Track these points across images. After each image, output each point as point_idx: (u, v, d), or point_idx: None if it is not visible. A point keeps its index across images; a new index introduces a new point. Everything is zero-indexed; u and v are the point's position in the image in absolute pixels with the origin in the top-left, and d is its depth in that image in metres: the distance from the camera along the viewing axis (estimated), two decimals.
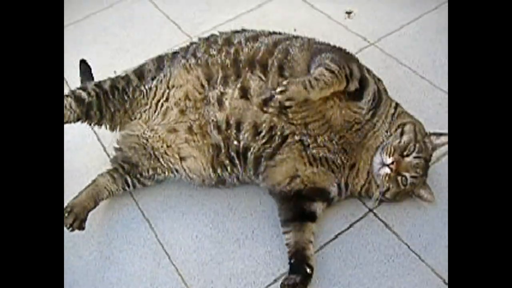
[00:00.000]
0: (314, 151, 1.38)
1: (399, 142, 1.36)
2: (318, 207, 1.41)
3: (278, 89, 1.26)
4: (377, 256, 1.38)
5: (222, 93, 1.41)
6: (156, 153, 1.52)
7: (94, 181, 1.54)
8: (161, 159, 1.52)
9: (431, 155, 1.41)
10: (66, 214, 1.41)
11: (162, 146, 1.51)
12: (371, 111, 1.37)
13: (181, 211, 1.55)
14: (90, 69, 1.82)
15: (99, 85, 1.54)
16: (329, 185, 1.41)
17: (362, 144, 1.38)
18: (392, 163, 1.33)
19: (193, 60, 1.49)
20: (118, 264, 1.44)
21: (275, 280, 1.36)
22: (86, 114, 1.51)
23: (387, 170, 1.34)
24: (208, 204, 1.55)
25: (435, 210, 1.45)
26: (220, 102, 1.41)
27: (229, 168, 1.46)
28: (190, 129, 1.46)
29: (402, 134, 1.38)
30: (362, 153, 1.39)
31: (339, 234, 1.44)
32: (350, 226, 1.45)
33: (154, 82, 1.52)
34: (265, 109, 1.37)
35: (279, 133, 1.37)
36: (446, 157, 1.56)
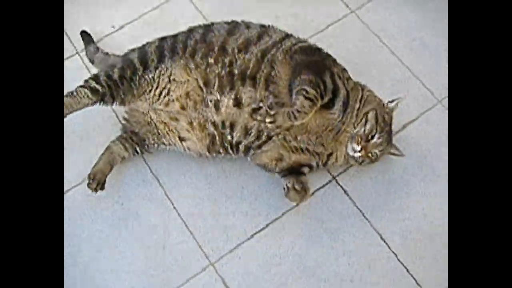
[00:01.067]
0: (295, 144, 1.73)
1: (364, 131, 1.71)
2: (305, 169, 1.79)
3: (268, 120, 1.60)
4: (334, 219, 1.83)
5: (218, 100, 1.70)
6: (159, 131, 1.83)
7: (108, 148, 1.86)
8: (164, 137, 1.84)
9: (391, 120, 1.78)
10: (90, 181, 1.78)
11: (164, 128, 1.82)
12: (342, 113, 1.69)
13: (184, 172, 1.91)
14: (91, 36, 2.10)
15: (109, 75, 1.77)
16: (311, 161, 1.79)
17: (336, 138, 1.74)
18: (361, 150, 1.71)
19: (192, 65, 1.72)
20: (135, 217, 1.84)
21: (261, 229, 1.81)
22: (101, 100, 1.78)
23: (357, 154, 1.73)
24: (206, 166, 1.92)
25: (387, 180, 1.89)
26: (217, 107, 1.70)
27: (222, 154, 1.82)
28: (190, 123, 1.76)
29: (366, 122, 1.71)
30: (337, 145, 1.75)
31: None
32: (314, 192, 1.87)
33: (157, 72, 1.76)
34: (254, 116, 1.68)
35: (265, 134, 1.71)
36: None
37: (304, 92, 1.60)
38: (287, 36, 1.79)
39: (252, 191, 1.88)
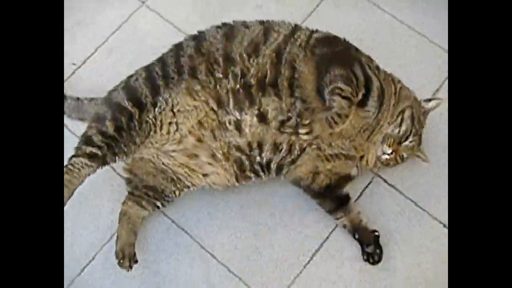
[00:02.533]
0: (330, 151, 1.50)
1: (398, 132, 1.50)
2: (346, 187, 1.59)
3: (303, 131, 1.36)
4: (387, 214, 1.65)
5: (239, 120, 1.43)
6: (179, 175, 1.56)
7: (123, 215, 1.57)
8: (184, 180, 1.57)
9: (425, 122, 1.58)
10: (121, 260, 1.49)
11: (185, 171, 1.54)
12: (377, 110, 1.46)
13: (210, 213, 1.66)
14: None
15: (103, 132, 1.46)
16: (350, 170, 1.57)
17: (370, 139, 1.51)
18: (391, 152, 1.52)
19: (197, 86, 1.44)
20: (171, 276, 1.59)
21: (313, 255, 1.60)
22: (103, 163, 1.47)
23: (387, 157, 1.54)
24: (231, 200, 1.67)
25: (432, 166, 1.68)
26: (239, 128, 1.44)
27: (253, 179, 1.57)
28: (212, 155, 1.50)
29: (401, 122, 1.50)
30: (370, 146, 1.53)
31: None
32: (361, 193, 1.68)
33: (157, 109, 1.47)
34: (282, 129, 1.43)
35: (297, 147, 1.47)
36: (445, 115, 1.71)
37: (338, 91, 1.37)
38: (296, 27, 1.52)
39: (291, 214, 1.65)
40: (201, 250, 1.62)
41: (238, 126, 1.45)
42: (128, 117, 1.46)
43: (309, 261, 1.60)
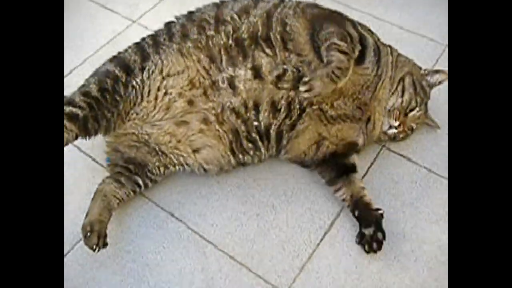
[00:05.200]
0: (332, 112, 1.40)
1: (402, 102, 1.43)
2: (355, 159, 1.45)
3: (303, 88, 1.27)
4: (403, 184, 1.48)
5: (232, 76, 1.34)
6: (163, 148, 1.40)
7: (98, 191, 1.37)
8: (170, 155, 1.41)
9: (429, 93, 1.51)
10: (88, 234, 1.26)
11: (170, 141, 1.39)
12: (375, 66, 1.40)
13: (203, 195, 1.46)
14: None
15: (86, 92, 1.35)
16: (355, 136, 1.45)
17: (374, 96, 1.43)
18: (399, 125, 1.44)
19: (189, 43, 1.37)
20: (161, 267, 1.33)
21: (325, 234, 1.38)
22: (84, 129, 1.33)
23: (395, 130, 1.45)
24: (229, 181, 1.49)
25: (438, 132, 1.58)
26: (233, 86, 1.34)
27: (251, 152, 1.42)
28: (204, 120, 1.37)
29: (403, 91, 1.44)
30: (375, 105, 1.44)
31: (363, 176, 1.50)
32: (371, 165, 1.52)
33: (145, 73, 1.37)
34: (279, 85, 1.34)
35: (297, 106, 1.37)
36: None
37: (335, 46, 1.32)
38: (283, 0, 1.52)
39: (297, 191, 1.47)
40: (196, 237, 1.38)
41: (231, 83, 1.35)
42: (114, 79, 1.36)
43: (322, 239, 1.37)
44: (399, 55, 1.51)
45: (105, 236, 1.29)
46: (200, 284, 1.29)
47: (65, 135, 1.29)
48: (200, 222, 1.41)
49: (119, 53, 1.46)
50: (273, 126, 1.39)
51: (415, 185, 1.47)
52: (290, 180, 1.49)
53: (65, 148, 1.35)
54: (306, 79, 1.29)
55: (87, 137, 1.38)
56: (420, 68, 1.51)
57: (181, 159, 1.42)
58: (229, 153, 1.42)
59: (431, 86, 1.51)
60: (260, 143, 1.42)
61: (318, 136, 1.43)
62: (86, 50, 1.88)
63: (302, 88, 1.29)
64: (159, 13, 1.47)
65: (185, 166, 1.44)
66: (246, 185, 1.48)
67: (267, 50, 1.36)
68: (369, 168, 1.51)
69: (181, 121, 1.38)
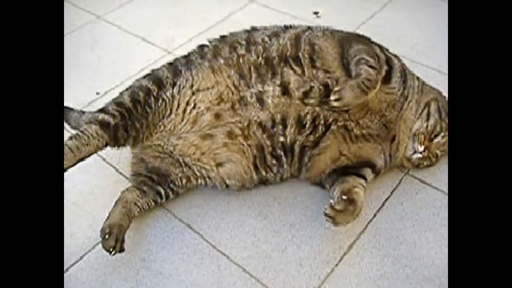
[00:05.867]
0: (357, 132, 1.40)
1: (427, 126, 1.44)
2: (367, 172, 1.43)
3: (333, 97, 1.29)
4: (426, 211, 1.44)
5: (261, 92, 1.38)
6: (187, 160, 1.43)
7: (121, 199, 1.40)
8: (193, 167, 1.43)
9: None
10: (106, 236, 1.27)
11: (194, 153, 1.42)
12: (401, 86, 1.43)
13: (222, 210, 1.45)
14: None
15: (119, 103, 1.42)
16: (375, 156, 1.44)
17: (400, 116, 1.44)
18: (424, 150, 1.43)
19: (221, 61, 1.44)
20: (173, 276, 1.30)
21: (344, 254, 1.33)
22: (114, 138, 1.38)
23: (419, 155, 1.44)
24: (249, 197, 1.48)
25: None
26: (261, 101, 1.38)
27: (274, 168, 1.43)
28: (230, 133, 1.40)
29: (428, 116, 1.45)
30: (400, 124, 1.44)
31: (385, 201, 1.47)
32: (393, 190, 1.49)
33: (176, 88, 1.43)
34: (306, 101, 1.37)
35: (322, 121, 1.38)
36: None
37: (364, 61, 1.35)
38: (311, 27, 1.58)
39: (317, 211, 1.43)
40: (211, 249, 1.36)
41: (260, 98, 1.38)
42: (146, 92, 1.43)
43: (341, 259, 1.32)
44: (424, 83, 1.54)
45: (123, 241, 1.29)
46: None
47: (95, 142, 1.35)
48: (216, 235, 1.39)
49: (153, 70, 1.53)
50: (298, 142, 1.40)
51: (439, 211, 1.43)
52: (310, 200, 1.47)
53: (91, 158, 1.40)
54: (336, 88, 1.31)
55: (116, 146, 1.43)
56: (440, 93, 1.52)
57: (204, 171, 1.43)
58: (252, 168, 1.42)
59: (441, 96, 1.53)
60: (284, 159, 1.42)
61: (338, 154, 1.43)
62: (121, 75, 1.98)
63: (332, 97, 1.30)
64: (194, 45, 1.58)
65: (207, 180, 1.45)
66: (266, 203, 1.47)
67: (296, 68, 1.40)
68: (391, 193, 1.49)
69: (207, 134, 1.41)
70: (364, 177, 1.43)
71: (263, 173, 1.44)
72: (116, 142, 1.41)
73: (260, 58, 1.42)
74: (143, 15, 2.35)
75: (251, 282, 1.28)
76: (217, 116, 1.41)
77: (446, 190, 1.48)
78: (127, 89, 1.49)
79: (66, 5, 2.44)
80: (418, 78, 1.53)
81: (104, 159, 1.62)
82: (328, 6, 2.34)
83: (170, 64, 1.53)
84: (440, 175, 1.52)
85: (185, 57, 1.54)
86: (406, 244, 1.35)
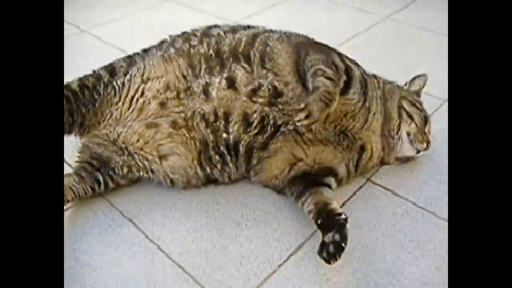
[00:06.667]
0: (310, 136, 1.33)
1: (416, 125, 1.43)
2: (331, 181, 1.34)
3: (301, 115, 1.20)
4: (386, 217, 1.33)
5: (207, 83, 1.33)
6: (130, 148, 1.37)
7: None
8: (135, 156, 1.37)
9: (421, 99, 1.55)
10: None
11: (138, 141, 1.36)
12: (361, 97, 1.36)
13: (167, 206, 1.37)
14: None
15: (67, 86, 1.40)
16: (336, 164, 1.36)
17: (366, 127, 1.38)
18: (426, 145, 1.43)
19: (172, 50, 1.41)
20: (102, 268, 1.20)
21: (291, 255, 1.22)
22: None
23: (424, 151, 1.44)
24: (197, 196, 1.40)
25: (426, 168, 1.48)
26: (206, 93, 1.33)
27: (219, 166, 1.36)
28: (174, 123, 1.34)
29: (409, 116, 1.44)
30: (369, 136, 1.39)
31: (342, 205, 1.37)
32: (353, 194, 1.40)
33: (127, 76, 1.40)
34: (254, 99, 1.31)
35: (271, 122, 1.31)
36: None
37: (321, 72, 1.30)
38: (272, 30, 1.55)
39: (266, 212, 1.34)
40: (149, 244, 1.26)
41: (205, 90, 1.33)
42: (96, 78, 1.41)
43: (286, 260, 1.21)
44: (384, 84, 1.49)
45: None
46: None
47: None
48: (157, 231, 1.30)
49: (113, 61, 1.52)
50: (242, 142, 1.33)
51: (400, 217, 1.32)
52: (261, 201, 1.38)
53: None
54: (301, 105, 1.22)
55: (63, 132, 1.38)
56: (400, 86, 1.48)
57: (146, 163, 1.36)
58: (196, 163, 1.35)
59: (419, 93, 1.55)
60: (228, 157, 1.35)
61: (292, 158, 1.35)
62: None
63: (300, 116, 1.21)
64: None
65: (150, 173, 1.38)
66: (214, 200, 1.38)
67: (245, 65, 1.35)
68: (351, 197, 1.39)
69: (152, 122, 1.35)
70: (330, 187, 1.34)
71: (208, 170, 1.37)
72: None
73: (211, 50, 1.38)
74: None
75: (184, 278, 1.17)
76: (162, 104, 1.35)
77: (409, 197, 1.38)
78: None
79: None
80: (377, 80, 1.48)
81: None
82: None
83: (128, 56, 1.52)
84: (403, 182, 1.43)
85: (144, 49, 1.52)
86: (360, 249, 1.23)
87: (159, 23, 2.44)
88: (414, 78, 1.56)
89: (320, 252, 1.14)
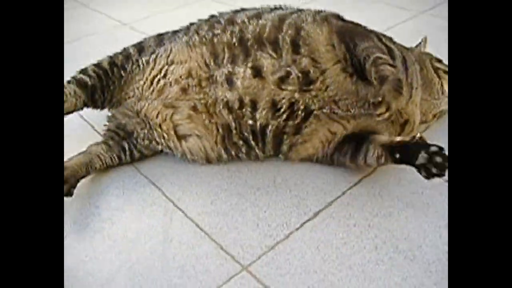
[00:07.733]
0: (349, 113, 1.30)
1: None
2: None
3: (382, 108, 1.16)
4: (408, 187, 1.28)
5: (231, 72, 1.32)
6: (151, 122, 1.39)
7: (86, 150, 1.39)
8: (155, 131, 1.39)
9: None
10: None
11: (157, 117, 1.38)
12: (405, 75, 1.31)
13: (190, 173, 1.38)
14: None
15: (98, 65, 1.47)
16: (381, 130, 1.31)
17: (410, 103, 1.34)
18: None
19: (196, 38, 1.41)
20: (121, 223, 1.22)
21: (308, 220, 1.20)
22: (92, 98, 1.43)
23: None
24: (220, 164, 1.41)
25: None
26: (230, 82, 1.31)
27: (243, 149, 1.36)
28: (194, 108, 1.35)
29: (446, 72, 1.47)
30: (413, 110, 1.35)
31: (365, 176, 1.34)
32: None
33: (153, 56, 1.44)
34: (283, 86, 1.29)
35: (302, 107, 1.29)
36: None
37: (382, 61, 1.25)
38: (302, 10, 1.52)
39: (290, 179, 1.33)
40: (168, 203, 1.27)
41: (229, 78, 1.32)
42: (125, 56, 1.47)
43: (304, 223, 1.19)
44: (415, 53, 1.48)
45: (72, 186, 1.25)
46: (155, 243, 1.15)
47: (74, 100, 1.40)
48: (177, 193, 1.31)
49: (144, 40, 1.57)
50: (270, 127, 1.31)
51: (423, 190, 1.27)
52: (282, 169, 1.37)
53: (71, 115, 1.45)
54: (378, 99, 1.18)
55: (95, 107, 1.47)
56: (408, 49, 1.47)
57: (163, 140, 1.39)
58: (220, 146, 1.36)
59: (425, 52, 1.57)
60: (253, 143, 1.34)
61: (331, 135, 1.32)
62: None
63: (381, 110, 1.17)
64: None
65: (168, 149, 1.40)
66: (237, 169, 1.39)
67: (271, 52, 1.32)
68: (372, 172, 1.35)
69: (170, 103, 1.37)
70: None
71: (233, 152, 1.37)
72: (93, 103, 1.46)
73: (234, 39, 1.36)
74: None
75: (200, 236, 1.17)
76: (183, 90, 1.36)
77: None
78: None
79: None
80: (411, 52, 1.46)
81: (81, 116, 1.65)
82: None
83: (158, 35, 1.56)
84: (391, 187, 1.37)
85: (174, 32, 1.56)
86: (381, 217, 1.19)
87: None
88: (419, 43, 1.59)
89: (428, 174, 1.09)
